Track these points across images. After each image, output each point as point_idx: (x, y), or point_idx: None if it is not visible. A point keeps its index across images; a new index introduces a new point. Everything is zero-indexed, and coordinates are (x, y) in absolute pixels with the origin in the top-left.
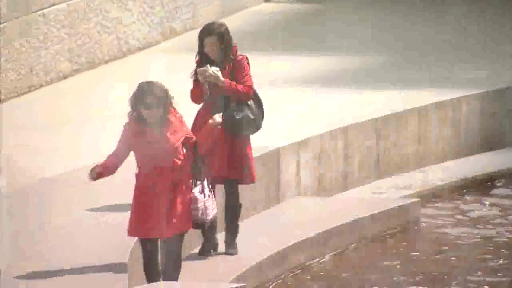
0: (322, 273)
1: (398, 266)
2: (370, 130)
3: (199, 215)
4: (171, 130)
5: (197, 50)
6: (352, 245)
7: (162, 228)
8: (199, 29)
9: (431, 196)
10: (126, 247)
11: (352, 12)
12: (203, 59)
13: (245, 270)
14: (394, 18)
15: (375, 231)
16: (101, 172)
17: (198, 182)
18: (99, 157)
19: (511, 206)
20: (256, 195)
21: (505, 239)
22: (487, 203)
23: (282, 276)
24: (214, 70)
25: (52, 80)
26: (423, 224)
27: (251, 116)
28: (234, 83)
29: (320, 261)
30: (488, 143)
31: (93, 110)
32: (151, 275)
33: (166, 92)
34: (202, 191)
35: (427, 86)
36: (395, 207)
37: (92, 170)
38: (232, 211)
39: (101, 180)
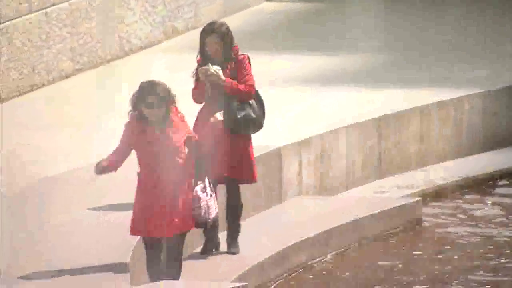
0: (323, 273)
1: (400, 266)
2: (372, 129)
3: (202, 214)
4: (173, 129)
5: (199, 49)
6: (354, 244)
7: (164, 227)
8: (201, 29)
9: (433, 195)
10: (128, 247)
11: (353, 11)
12: (204, 59)
13: (246, 270)
14: (395, 18)
15: (377, 231)
16: (107, 166)
17: (200, 182)
18: (101, 157)
19: None
20: (258, 194)
21: (506, 239)
22: (489, 202)
23: (283, 276)
24: (215, 69)
25: (54, 79)
26: (425, 224)
27: (253, 115)
28: (235, 82)
29: (322, 260)
30: (490, 143)
31: (95, 109)
32: (154, 274)
33: (168, 91)
34: (205, 191)
35: (429, 85)
36: (397, 207)
37: (98, 164)
38: (234, 211)
39: (102, 179)
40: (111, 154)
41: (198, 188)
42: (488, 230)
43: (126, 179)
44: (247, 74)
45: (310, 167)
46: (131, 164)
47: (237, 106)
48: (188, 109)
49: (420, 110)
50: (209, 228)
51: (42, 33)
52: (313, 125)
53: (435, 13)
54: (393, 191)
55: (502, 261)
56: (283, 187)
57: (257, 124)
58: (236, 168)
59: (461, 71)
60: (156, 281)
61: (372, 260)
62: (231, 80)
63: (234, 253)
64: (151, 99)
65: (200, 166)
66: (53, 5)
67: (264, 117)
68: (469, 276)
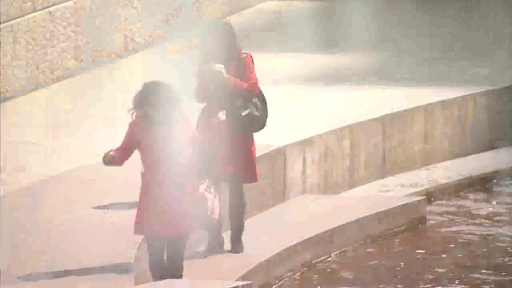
0: (327, 271)
1: (403, 265)
2: (376, 128)
3: (208, 214)
4: (177, 129)
5: (202, 48)
6: (358, 243)
7: (168, 227)
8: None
9: (437, 194)
10: (131, 247)
11: (357, 10)
12: (207, 57)
13: (250, 268)
14: (398, 16)
15: (380, 229)
16: (114, 156)
17: (204, 181)
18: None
19: None
20: (262, 193)
21: (510, 238)
22: (493, 201)
23: (288, 274)
24: (219, 67)
25: (58, 77)
26: (429, 222)
27: (256, 114)
28: (238, 80)
29: (326, 259)
30: (494, 141)
31: (99, 108)
32: (157, 274)
33: (172, 91)
34: (209, 191)
35: (433, 84)
36: (401, 205)
37: (107, 154)
38: (237, 209)
39: (102, 179)
40: (116, 149)
41: (204, 188)
42: (492, 229)
43: (126, 179)
44: (250, 73)
45: (314, 166)
46: (131, 164)
47: (240, 105)
48: (191, 108)
49: (424, 109)
50: (213, 227)
51: (46, 32)
52: (317, 124)
53: (437, 11)
54: (397, 190)
55: (506, 260)
56: (287, 186)
57: (260, 122)
58: (239, 167)
59: (466, 69)
60: (158, 280)
61: (376, 259)
62: (234, 78)
63: (238, 252)
64: (155, 99)
65: (203, 166)
66: (57, 3)
67: (267, 116)
68: (472, 275)
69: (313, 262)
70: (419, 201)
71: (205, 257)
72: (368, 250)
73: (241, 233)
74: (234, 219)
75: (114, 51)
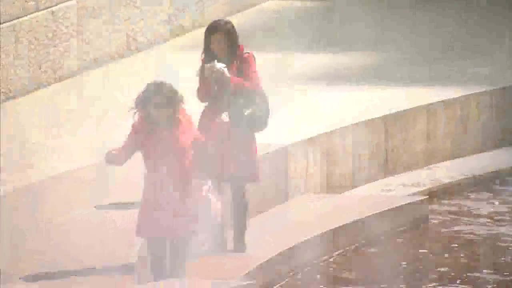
0: (330, 271)
1: (406, 264)
2: (378, 127)
3: (212, 216)
4: (180, 130)
5: (204, 47)
6: (360, 243)
7: (172, 229)
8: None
9: (439, 193)
10: (133, 247)
11: (359, 9)
12: (209, 56)
13: (253, 268)
14: (400, 16)
15: (383, 229)
16: (116, 155)
17: (206, 183)
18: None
19: None
20: (265, 192)
21: None
22: (495, 200)
23: (290, 274)
24: (221, 66)
25: (61, 77)
26: (431, 222)
27: (258, 113)
28: (241, 79)
29: (328, 259)
30: (497, 141)
31: (101, 108)
32: (158, 275)
33: (175, 91)
34: (212, 192)
35: (436, 83)
36: (403, 205)
37: (109, 153)
38: (240, 209)
39: (104, 178)
40: (118, 149)
41: (207, 190)
42: (494, 228)
43: (127, 179)
44: (252, 72)
45: (317, 166)
46: (131, 164)
47: (242, 104)
48: (194, 107)
49: (426, 108)
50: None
51: (48, 32)
52: (319, 124)
53: (441, 10)
54: (399, 189)
55: (508, 259)
56: (289, 185)
57: (262, 122)
58: (241, 167)
59: (469, 68)
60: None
61: (378, 258)
62: (236, 78)
63: (240, 251)
64: (158, 99)
65: (206, 167)
66: (59, 3)
67: (268, 115)
68: (475, 275)
69: (316, 262)
70: (421, 200)
71: (208, 256)
72: (371, 250)
73: (244, 233)
74: (236, 218)
75: (116, 51)
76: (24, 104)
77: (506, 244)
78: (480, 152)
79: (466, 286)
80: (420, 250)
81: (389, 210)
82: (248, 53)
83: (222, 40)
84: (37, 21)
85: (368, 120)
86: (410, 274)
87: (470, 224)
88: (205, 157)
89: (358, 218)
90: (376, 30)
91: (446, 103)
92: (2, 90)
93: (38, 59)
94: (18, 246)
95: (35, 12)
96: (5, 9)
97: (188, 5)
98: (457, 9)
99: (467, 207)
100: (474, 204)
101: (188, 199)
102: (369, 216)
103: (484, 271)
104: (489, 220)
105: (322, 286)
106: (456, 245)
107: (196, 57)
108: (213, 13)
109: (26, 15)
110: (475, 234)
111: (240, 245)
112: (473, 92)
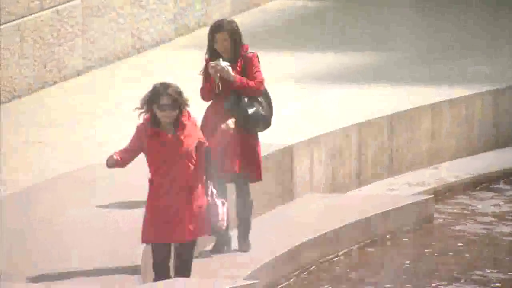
0: (335, 270)
1: (411, 263)
2: (383, 127)
3: (219, 220)
4: (185, 133)
5: (208, 47)
6: (365, 242)
7: (178, 233)
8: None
9: (444, 193)
10: (136, 247)
11: (362, 9)
12: (213, 56)
13: (258, 267)
14: (402, 15)
15: (388, 228)
16: (118, 160)
17: (210, 187)
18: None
19: None
20: (269, 192)
21: None
22: (500, 200)
23: (295, 273)
24: (225, 64)
25: (66, 76)
26: (436, 221)
27: (262, 113)
28: (244, 78)
29: (333, 258)
30: (502, 140)
31: (106, 107)
32: (161, 279)
33: (180, 93)
34: (217, 196)
35: (440, 83)
36: (408, 204)
37: (110, 157)
38: (244, 208)
39: (106, 180)
40: (120, 151)
41: (214, 195)
42: (499, 227)
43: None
44: (257, 71)
45: (321, 165)
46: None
47: (246, 103)
48: (197, 107)
49: (431, 107)
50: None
51: (53, 31)
52: (323, 123)
53: (445, 8)
54: (404, 188)
55: None
56: (294, 185)
57: (265, 122)
58: (245, 166)
59: (474, 68)
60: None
61: (383, 257)
62: (240, 77)
63: (245, 251)
64: (164, 100)
65: (211, 170)
66: (64, 2)
67: (272, 115)
68: (480, 273)
69: (320, 261)
70: (426, 200)
71: (213, 256)
72: (375, 249)
73: (248, 232)
74: (241, 218)
75: (121, 50)
76: (29, 104)
77: (511, 244)
78: (484, 152)
79: (470, 285)
80: (425, 250)
81: (394, 209)
82: (252, 52)
83: (226, 39)
84: (42, 20)
85: (373, 119)
86: (414, 273)
87: (475, 223)
88: (210, 161)
89: (363, 217)
90: (379, 30)
91: (451, 102)
92: (7, 89)
93: (43, 58)
94: (18, 246)
95: (40, 11)
96: (10, 8)
97: (193, 5)
98: (458, 9)
99: (471, 207)
100: (479, 203)
101: (195, 204)
102: (373, 216)
103: (489, 270)
104: (494, 219)
105: (327, 286)
106: (461, 244)
107: (200, 57)
108: (217, 12)
109: (31, 14)
110: (479, 234)
111: (244, 244)
112: (478, 92)
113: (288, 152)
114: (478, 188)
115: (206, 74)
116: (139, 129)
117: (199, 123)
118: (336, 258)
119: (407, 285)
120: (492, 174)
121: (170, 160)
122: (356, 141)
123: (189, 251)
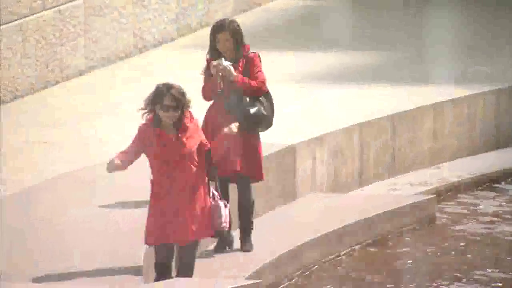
0: (337, 270)
1: (413, 263)
2: (385, 127)
3: (223, 221)
4: (187, 134)
5: (209, 47)
6: (368, 241)
7: (181, 234)
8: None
9: (446, 192)
10: (138, 248)
11: (364, 9)
12: (215, 56)
13: (260, 267)
14: (403, 15)
15: (390, 228)
16: (119, 164)
17: (212, 189)
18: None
19: None
20: (272, 191)
21: None
22: (502, 199)
23: (297, 273)
24: (227, 63)
25: (68, 76)
26: (439, 221)
27: (264, 113)
28: (246, 78)
29: (335, 258)
30: (504, 140)
31: (108, 107)
32: (163, 278)
33: (183, 94)
34: (219, 198)
35: (442, 82)
36: (410, 204)
37: (111, 162)
38: (246, 208)
39: (106, 179)
40: (121, 153)
41: (217, 197)
42: (501, 227)
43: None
44: (258, 71)
45: (323, 165)
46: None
47: (247, 103)
48: (199, 107)
49: (433, 107)
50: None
51: (55, 31)
52: (325, 123)
53: (447, 9)
54: (406, 188)
55: None
56: (296, 185)
57: (267, 121)
58: (247, 166)
59: (476, 67)
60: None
61: (385, 257)
62: (242, 77)
63: (247, 251)
64: (167, 101)
65: (212, 173)
66: (66, 2)
67: (273, 115)
68: (482, 273)
69: (322, 261)
70: (428, 199)
71: (215, 255)
72: (378, 249)
73: (251, 232)
74: (243, 218)
75: (123, 49)
76: (31, 103)
77: None
78: (486, 151)
79: (472, 285)
80: (427, 249)
81: (395, 209)
82: (254, 52)
83: (228, 39)
84: (44, 20)
85: (375, 119)
86: (416, 273)
87: (477, 223)
88: (211, 164)
89: (365, 217)
90: (381, 30)
91: (453, 102)
92: (9, 89)
93: (45, 58)
94: (19, 246)
95: (42, 11)
96: (12, 8)
97: (195, 4)
98: (458, 8)
99: (473, 206)
100: (481, 203)
101: (198, 205)
102: (375, 216)
103: (491, 270)
104: (496, 219)
105: (329, 286)
106: (463, 244)
107: (202, 56)
108: (219, 12)
109: (33, 14)
110: (481, 233)
111: (247, 244)
112: (479, 91)
113: (290, 152)
114: (480, 188)
115: (207, 73)
116: (141, 129)
117: (200, 123)
118: (338, 258)
119: (409, 285)
120: (494, 173)
121: (171, 161)
122: (358, 141)
123: (191, 252)
